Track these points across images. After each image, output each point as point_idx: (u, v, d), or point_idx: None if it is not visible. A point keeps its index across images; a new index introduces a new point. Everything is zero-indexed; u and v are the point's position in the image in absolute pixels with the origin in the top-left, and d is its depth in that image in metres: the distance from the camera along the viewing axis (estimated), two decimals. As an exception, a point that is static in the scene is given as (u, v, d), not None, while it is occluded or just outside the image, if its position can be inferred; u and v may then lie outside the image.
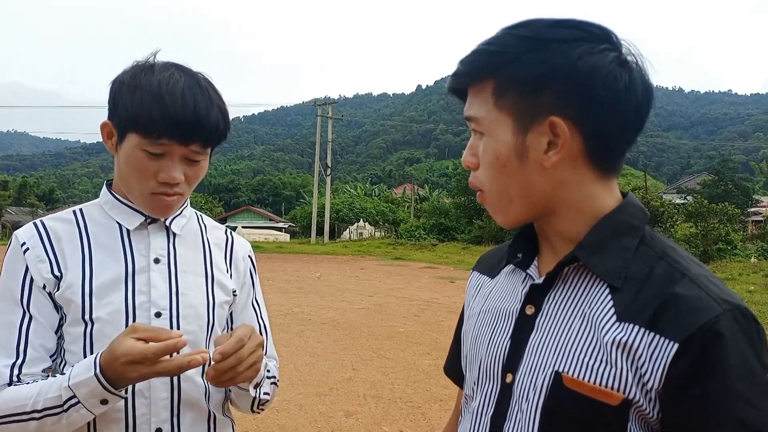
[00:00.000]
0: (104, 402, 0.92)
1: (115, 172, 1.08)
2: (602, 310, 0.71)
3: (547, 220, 0.78)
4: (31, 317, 0.99)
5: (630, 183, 29.35)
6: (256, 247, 26.62)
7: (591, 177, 0.74)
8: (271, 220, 53.49)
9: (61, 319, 1.03)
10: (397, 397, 4.83)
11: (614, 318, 0.70)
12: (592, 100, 0.70)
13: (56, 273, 1.01)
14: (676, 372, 0.65)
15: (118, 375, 0.89)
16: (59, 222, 1.07)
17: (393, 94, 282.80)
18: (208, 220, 1.23)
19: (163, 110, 0.97)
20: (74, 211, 1.09)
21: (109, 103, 1.04)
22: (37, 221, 1.07)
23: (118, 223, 1.08)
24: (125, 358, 0.87)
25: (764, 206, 33.46)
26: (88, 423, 1.00)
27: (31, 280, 1.00)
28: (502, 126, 0.74)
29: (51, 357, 1.01)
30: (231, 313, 1.20)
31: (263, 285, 1.31)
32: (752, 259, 18.40)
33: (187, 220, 1.16)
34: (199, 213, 1.22)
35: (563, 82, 0.70)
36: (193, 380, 1.07)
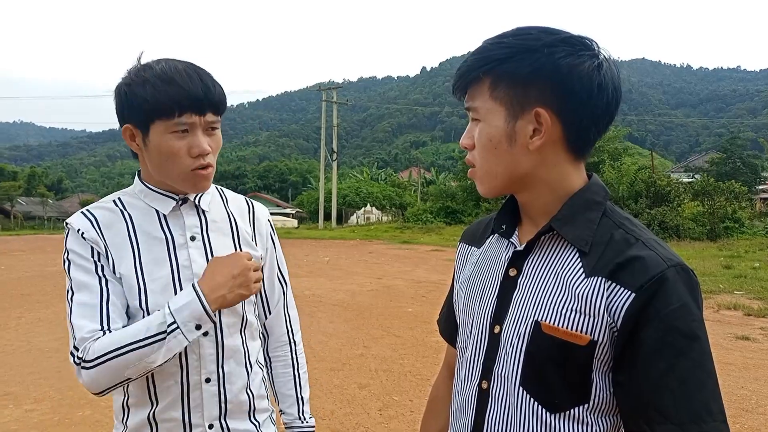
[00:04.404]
0: (198, 327, 1.11)
1: (145, 167, 1.21)
2: (573, 269, 0.86)
3: (526, 196, 0.93)
4: (107, 281, 1.16)
5: (637, 162, 28.98)
6: (265, 232, 26.68)
7: (566, 159, 0.89)
8: (278, 206, 53.75)
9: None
10: (406, 371, 5.04)
11: (583, 275, 0.84)
12: (570, 95, 0.83)
13: (110, 257, 1.17)
14: (630, 313, 0.81)
15: (216, 295, 1.13)
16: (104, 211, 1.21)
17: (397, 77, 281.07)
18: (228, 192, 1.38)
19: (178, 89, 1.10)
20: (114, 201, 1.24)
21: (120, 109, 1.16)
22: (85, 210, 1.21)
23: (154, 209, 1.22)
24: (238, 273, 1.16)
25: (772, 183, 33.23)
26: (146, 378, 1.17)
27: (99, 255, 1.17)
28: (496, 114, 0.87)
29: (126, 312, 1.19)
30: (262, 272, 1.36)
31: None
32: None
33: (211, 196, 1.30)
34: (219, 187, 1.36)
35: (547, 79, 0.83)
36: (233, 337, 1.25)
